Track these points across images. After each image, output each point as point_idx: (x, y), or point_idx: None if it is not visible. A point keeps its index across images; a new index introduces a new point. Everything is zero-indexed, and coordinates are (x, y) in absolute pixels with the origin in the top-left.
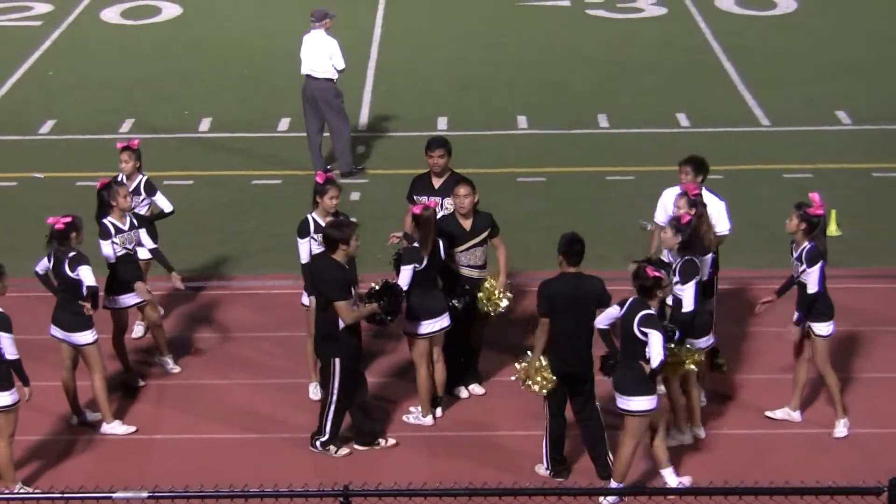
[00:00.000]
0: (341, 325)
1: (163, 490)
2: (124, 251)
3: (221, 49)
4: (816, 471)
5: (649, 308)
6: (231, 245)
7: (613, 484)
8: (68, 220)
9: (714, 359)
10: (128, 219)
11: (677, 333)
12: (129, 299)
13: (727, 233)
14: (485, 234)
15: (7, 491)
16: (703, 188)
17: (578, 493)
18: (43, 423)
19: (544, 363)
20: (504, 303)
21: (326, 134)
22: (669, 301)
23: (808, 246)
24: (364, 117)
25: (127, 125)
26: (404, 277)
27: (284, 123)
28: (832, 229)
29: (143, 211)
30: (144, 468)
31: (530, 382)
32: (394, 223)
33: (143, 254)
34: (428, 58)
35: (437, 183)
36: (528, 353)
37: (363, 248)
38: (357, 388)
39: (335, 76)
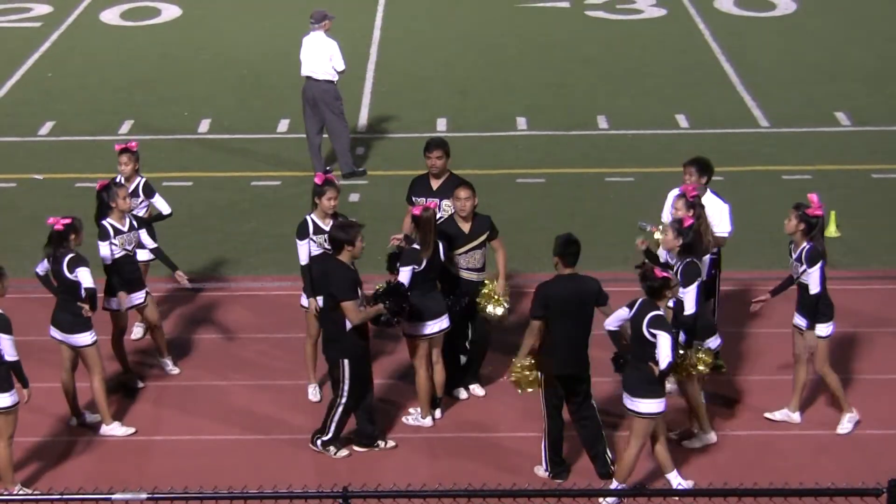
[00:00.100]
0: (348, 326)
1: (162, 491)
2: (124, 252)
3: (221, 50)
4: (816, 472)
5: (658, 309)
6: (230, 246)
7: (614, 484)
8: (68, 221)
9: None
10: (127, 220)
11: (682, 336)
12: (128, 301)
13: (727, 235)
14: (484, 237)
15: (6, 492)
16: (708, 190)
17: (577, 494)
18: (42, 425)
19: (528, 363)
20: (502, 309)
21: (326, 135)
22: (671, 304)
23: (808, 246)
24: (364, 118)
25: (126, 126)
26: (404, 279)
27: (284, 124)
28: (831, 230)
29: (141, 213)
30: (144, 469)
31: (519, 383)
32: (394, 224)
33: (142, 255)
34: (427, 59)
35: (435, 184)
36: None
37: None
38: (366, 391)
39: (335, 78)
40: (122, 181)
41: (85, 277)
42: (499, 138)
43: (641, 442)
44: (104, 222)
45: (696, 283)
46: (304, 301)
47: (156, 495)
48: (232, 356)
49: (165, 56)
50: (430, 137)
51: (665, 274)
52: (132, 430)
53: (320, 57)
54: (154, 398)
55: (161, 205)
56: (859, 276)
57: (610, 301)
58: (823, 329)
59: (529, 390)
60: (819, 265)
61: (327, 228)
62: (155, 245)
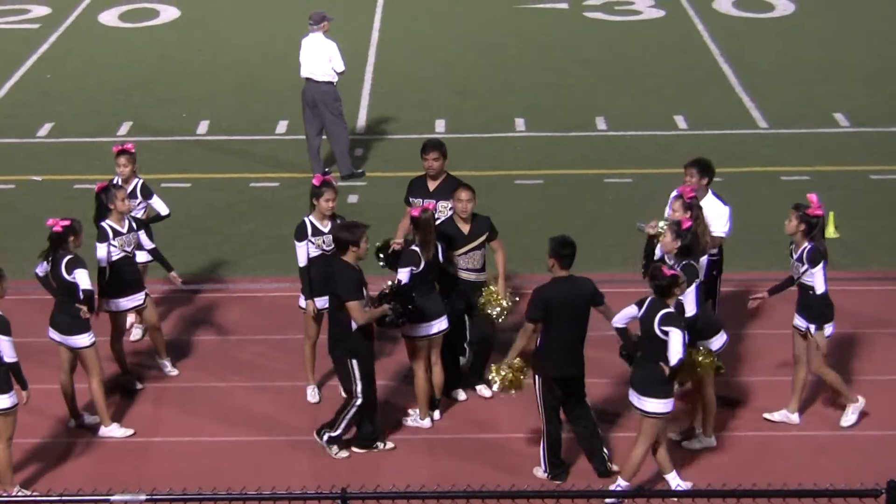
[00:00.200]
0: (354, 326)
1: (161, 492)
2: (123, 254)
3: (219, 52)
4: (815, 473)
5: (668, 307)
6: (229, 247)
7: (620, 482)
8: (67, 223)
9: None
10: (126, 221)
11: (686, 336)
12: (127, 302)
13: (724, 236)
14: (483, 238)
15: (5, 494)
16: (710, 191)
17: (576, 495)
18: (41, 426)
19: (518, 364)
20: (503, 308)
21: (325, 137)
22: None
23: (809, 246)
24: (362, 119)
25: (125, 128)
26: (402, 280)
27: (282, 126)
28: (830, 231)
29: (139, 214)
30: (142, 471)
31: (506, 383)
32: (393, 225)
33: (140, 257)
34: (426, 60)
35: (432, 186)
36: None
37: None
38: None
39: (335, 79)
40: (120, 183)
41: (83, 279)
42: (497, 139)
43: (649, 442)
44: (103, 224)
45: (694, 285)
46: (303, 302)
47: (155, 496)
48: (230, 357)
49: (164, 57)
50: (426, 139)
51: (673, 272)
52: (131, 431)
53: (320, 58)
54: (153, 399)
55: (159, 205)
56: (858, 277)
57: (606, 301)
58: (826, 329)
59: (512, 392)
60: (822, 265)
61: (326, 230)
62: (153, 246)
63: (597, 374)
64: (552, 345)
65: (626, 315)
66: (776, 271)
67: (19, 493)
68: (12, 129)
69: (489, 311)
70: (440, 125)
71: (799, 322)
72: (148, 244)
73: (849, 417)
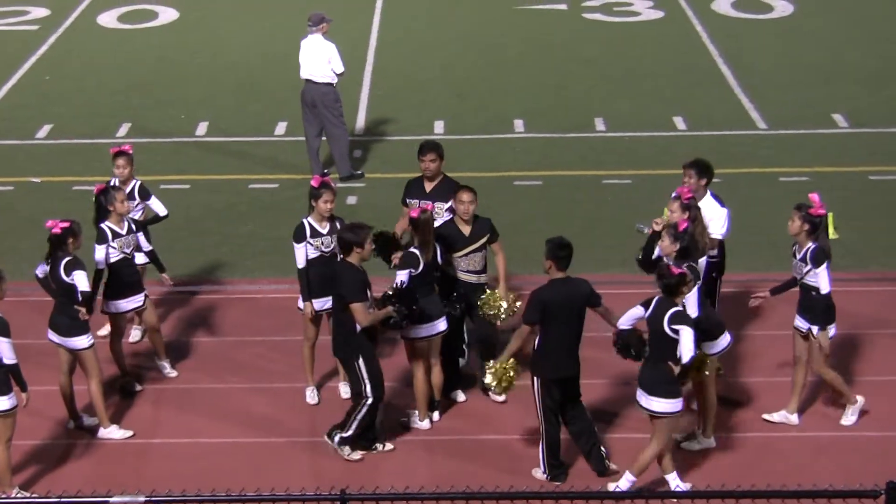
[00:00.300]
0: (358, 327)
1: (160, 494)
2: (122, 255)
3: (218, 53)
4: (814, 474)
5: (677, 305)
6: (227, 249)
7: (628, 475)
8: (66, 225)
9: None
10: (126, 223)
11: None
12: (127, 304)
13: (721, 237)
14: (484, 240)
15: (4, 496)
16: (708, 192)
17: (576, 496)
18: (40, 428)
19: (511, 364)
20: (503, 309)
21: (324, 138)
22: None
23: (812, 246)
24: (361, 121)
25: (124, 129)
26: (402, 282)
27: (281, 127)
28: (829, 232)
29: (137, 215)
30: (142, 472)
31: (496, 383)
32: (392, 227)
33: (139, 258)
34: (425, 61)
35: (428, 187)
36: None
37: None
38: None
39: (334, 80)
40: (117, 184)
41: (81, 281)
42: (496, 140)
43: (664, 441)
44: (102, 225)
45: (695, 287)
46: (301, 304)
47: (154, 498)
48: (229, 359)
49: (163, 59)
50: (423, 140)
51: (681, 270)
52: (130, 432)
53: (319, 60)
54: (152, 401)
55: (157, 206)
56: (857, 277)
57: (603, 302)
58: (828, 330)
59: (501, 397)
60: (826, 264)
61: (324, 231)
62: (150, 248)
63: (595, 375)
64: (550, 346)
65: (631, 316)
66: (775, 272)
67: (18, 495)
68: (11, 130)
69: (491, 313)
70: (439, 126)
71: (800, 323)
72: (146, 246)
73: (849, 418)
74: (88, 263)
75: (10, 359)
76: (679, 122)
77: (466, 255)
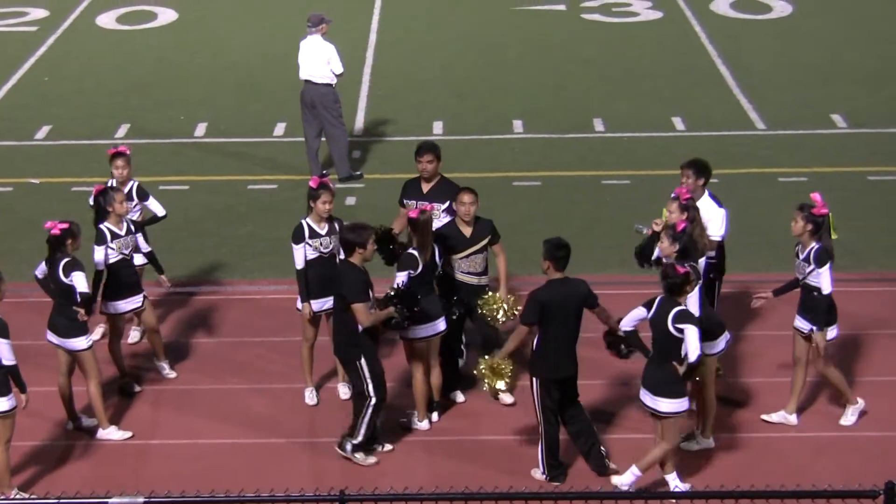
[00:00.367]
0: (360, 328)
1: (159, 495)
2: (121, 256)
3: (217, 54)
4: (814, 474)
5: (680, 304)
6: (226, 250)
7: (633, 469)
8: (65, 226)
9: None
10: (125, 224)
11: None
12: (126, 305)
13: (719, 238)
14: (485, 241)
15: (3, 497)
16: (706, 193)
17: (575, 496)
18: (39, 429)
19: (505, 362)
20: (504, 310)
21: (324, 139)
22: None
23: (816, 246)
24: (360, 121)
25: (123, 130)
26: (402, 283)
27: (280, 128)
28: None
29: (135, 216)
30: (141, 473)
31: (489, 381)
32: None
33: (138, 259)
34: (424, 62)
35: (426, 188)
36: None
37: None
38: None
39: (334, 81)
40: (114, 185)
41: (80, 282)
42: (495, 141)
43: (674, 441)
44: (101, 226)
45: (696, 288)
46: (300, 305)
47: (153, 499)
48: (229, 360)
49: (161, 60)
50: (421, 141)
51: (685, 269)
52: (129, 433)
53: (318, 61)
54: (151, 402)
55: (155, 207)
56: (856, 278)
57: (601, 302)
58: (829, 331)
59: (510, 399)
60: (829, 265)
61: (323, 232)
62: (149, 249)
63: (593, 375)
64: (549, 347)
65: (634, 317)
66: (775, 273)
67: (17, 496)
68: (10, 131)
69: (491, 315)
70: (438, 127)
71: (801, 324)
72: (145, 247)
73: (848, 418)
74: (88, 264)
75: (9, 360)
76: (678, 123)
77: (468, 256)
